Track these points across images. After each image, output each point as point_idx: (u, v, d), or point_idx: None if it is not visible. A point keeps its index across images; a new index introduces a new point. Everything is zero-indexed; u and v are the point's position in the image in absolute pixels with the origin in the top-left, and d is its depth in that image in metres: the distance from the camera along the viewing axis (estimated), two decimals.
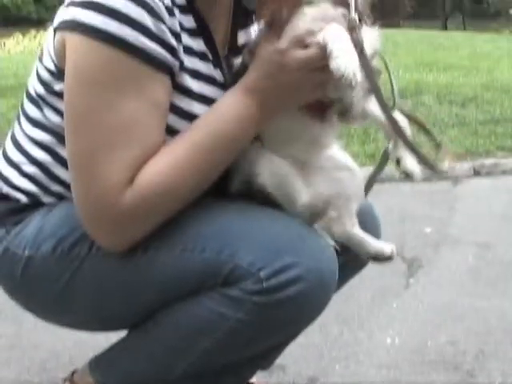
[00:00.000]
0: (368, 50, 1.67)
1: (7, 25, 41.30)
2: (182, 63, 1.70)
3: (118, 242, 1.70)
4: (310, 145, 1.83)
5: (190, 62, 1.73)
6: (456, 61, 12.07)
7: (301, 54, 1.64)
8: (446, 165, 1.85)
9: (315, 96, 1.73)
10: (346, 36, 1.60)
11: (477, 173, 5.90)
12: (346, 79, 1.54)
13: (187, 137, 1.69)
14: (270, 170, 1.77)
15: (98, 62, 1.60)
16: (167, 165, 1.64)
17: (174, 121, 1.73)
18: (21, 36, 22.34)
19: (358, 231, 1.94)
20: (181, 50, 1.70)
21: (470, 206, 5.06)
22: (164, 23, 1.63)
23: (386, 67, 1.82)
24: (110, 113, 1.61)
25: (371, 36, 1.72)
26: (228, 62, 1.89)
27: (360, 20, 1.66)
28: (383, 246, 1.98)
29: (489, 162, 6.04)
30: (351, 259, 1.99)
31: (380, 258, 1.98)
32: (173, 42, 1.66)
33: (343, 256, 1.86)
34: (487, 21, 37.06)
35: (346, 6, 1.66)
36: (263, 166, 1.78)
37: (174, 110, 1.72)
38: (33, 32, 22.78)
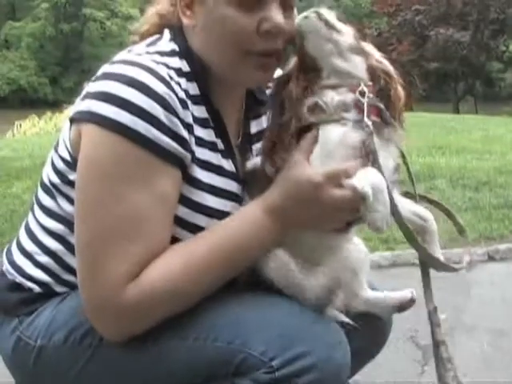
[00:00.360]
0: (389, 161, 1.73)
1: (23, 106, 42.00)
2: (193, 155, 1.75)
3: (116, 333, 1.72)
4: (325, 250, 1.86)
5: (201, 153, 1.78)
6: (468, 144, 12.10)
7: (337, 194, 1.69)
8: (465, 260, 1.83)
9: (338, 226, 1.78)
10: (383, 185, 1.64)
11: (491, 258, 5.84)
12: (378, 230, 1.60)
13: (203, 242, 1.73)
14: (277, 266, 1.80)
15: (108, 151, 1.65)
16: (178, 265, 1.67)
17: (186, 213, 1.77)
18: (37, 118, 22.61)
19: (371, 293, 1.96)
20: (192, 141, 1.75)
21: (484, 291, 5.01)
22: (177, 116, 1.68)
23: (404, 159, 1.88)
24: (117, 205, 1.64)
25: (397, 142, 1.77)
26: (241, 152, 1.95)
27: (387, 123, 1.72)
28: (401, 293, 1.99)
29: (503, 246, 5.98)
30: (372, 329, 2.00)
31: (404, 304, 1.98)
32: (185, 134, 1.70)
33: (363, 328, 1.88)
34: (499, 104, 37.35)
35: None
36: (270, 261, 1.80)
37: (185, 202, 1.76)
38: (49, 114, 23.14)
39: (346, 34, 1.80)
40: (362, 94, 1.74)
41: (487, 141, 12.70)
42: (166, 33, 1.89)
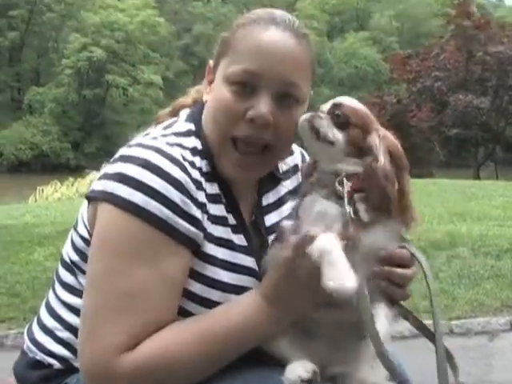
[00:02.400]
0: (369, 248, 1.73)
1: (45, 171, 42.50)
2: (205, 232, 1.80)
3: None
4: None
5: (214, 229, 1.83)
6: (490, 210, 12.07)
7: (305, 263, 1.68)
8: None
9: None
10: (332, 246, 1.65)
11: None
12: (338, 295, 1.59)
13: (197, 321, 1.76)
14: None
15: (120, 230, 1.72)
16: (170, 343, 1.70)
17: (199, 288, 1.81)
18: (58, 183, 22.86)
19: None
20: (205, 219, 1.80)
21: (507, 361, 4.95)
22: (190, 197, 1.75)
23: (422, 269, 1.83)
24: (122, 280, 1.70)
25: (379, 234, 1.76)
26: (254, 226, 1.98)
27: (356, 213, 1.73)
28: None
29: None
30: None
31: None
32: (197, 214, 1.77)
33: None
34: None
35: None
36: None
37: (198, 277, 1.80)
38: (70, 179, 23.36)
39: (337, 143, 1.80)
40: (341, 183, 1.78)
41: (508, 207, 12.67)
42: (183, 113, 1.97)
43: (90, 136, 56.31)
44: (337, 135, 1.79)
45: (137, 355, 1.67)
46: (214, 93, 1.88)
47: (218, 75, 1.90)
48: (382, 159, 1.76)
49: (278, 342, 1.81)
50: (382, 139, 1.79)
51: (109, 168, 1.78)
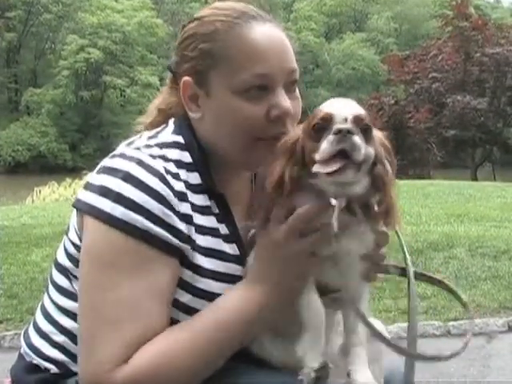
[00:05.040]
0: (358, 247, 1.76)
1: (43, 172, 42.45)
2: (193, 243, 1.80)
3: None
4: None
5: (203, 239, 1.84)
6: (487, 212, 12.09)
7: (282, 227, 1.73)
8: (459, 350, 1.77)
9: (312, 268, 1.77)
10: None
11: (511, 328, 5.79)
12: None
13: (189, 323, 1.77)
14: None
15: (105, 243, 1.74)
16: (165, 347, 1.70)
17: (190, 300, 1.81)
18: (56, 184, 22.88)
19: None
20: (192, 230, 1.81)
21: (504, 363, 4.95)
22: (171, 208, 1.75)
23: (398, 237, 1.89)
24: (112, 292, 1.71)
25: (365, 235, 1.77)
26: (246, 232, 1.97)
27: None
28: None
29: None
30: None
31: None
32: (180, 225, 1.77)
33: None
34: None
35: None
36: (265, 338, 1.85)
37: (188, 288, 1.81)
38: (68, 180, 23.39)
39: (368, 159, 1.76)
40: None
41: (506, 208, 12.69)
42: (171, 123, 1.96)
43: (87, 137, 56.27)
44: (369, 151, 1.70)
45: (134, 365, 1.68)
46: (221, 108, 1.88)
47: (216, 90, 1.88)
48: (389, 168, 1.75)
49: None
50: (380, 142, 1.78)
51: (93, 178, 1.80)
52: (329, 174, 1.64)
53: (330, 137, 1.65)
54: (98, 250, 1.75)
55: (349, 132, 1.64)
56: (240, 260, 1.90)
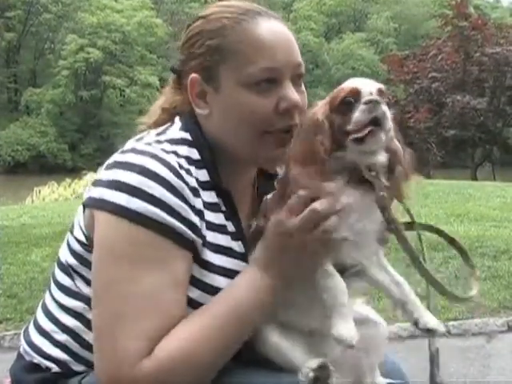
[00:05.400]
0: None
1: (43, 172, 42.44)
2: (204, 239, 1.81)
3: None
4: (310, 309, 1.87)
5: (213, 236, 1.84)
6: (487, 211, 12.07)
7: (297, 218, 1.73)
8: (474, 292, 1.88)
9: (322, 257, 1.78)
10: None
11: (511, 328, 5.79)
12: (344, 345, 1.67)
13: (205, 310, 1.77)
14: (272, 342, 1.83)
15: (121, 237, 1.73)
16: (185, 336, 1.71)
17: (198, 295, 1.82)
18: (56, 184, 22.85)
19: (379, 380, 1.95)
20: (204, 226, 1.81)
21: (504, 362, 4.95)
22: (187, 203, 1.76)
23: (410, 214, 1.94)
24: (130, 285, 1.70)
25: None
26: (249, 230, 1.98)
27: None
28: None
29: None
30: None
31: None
32: (195, 220, 1.78)
33: None
34: None
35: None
36: (266, 336, 1.85)
37: (197, 284, 1.81)
38: (67, 180, 23.34)
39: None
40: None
41: (506, 208, 12.67)
42: (177, 121, 1.97)
43: (87, 137, 56.21)
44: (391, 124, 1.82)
45: (157, 357, 1.68)
46: (231, 102, 1.90)
47: (226, 85, 1.89)
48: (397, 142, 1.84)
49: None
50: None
51: (104, 174, 1.79)
52: (362, 139, 1.75)
53: (362, 106, 1.75)
54: (114, 245, 1.74)
55: (377, 102, 1.74)
56: (245, 258, 1.90)
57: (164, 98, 2.09)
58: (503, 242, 8.71)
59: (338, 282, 1.76)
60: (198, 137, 1.91)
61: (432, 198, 14.14)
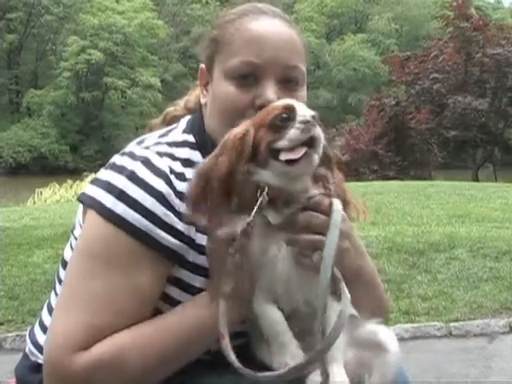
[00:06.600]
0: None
1: (44, 174, 42.45)
2: (193, 242, 1.83)
3: None
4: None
5: (202, 238, 1.84)
6: (488, 212, 12.07)
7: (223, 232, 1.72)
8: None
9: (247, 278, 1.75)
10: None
11: None
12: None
13: (152, 321, 1.78)
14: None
15: (99, 236, 1.78)
16: (121, 342, 1.73)
17: (178, 294, 1.84)
18: (57, 185, 22.85)
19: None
20: (193, 229, 1.82)
21: (506, 363, 4.94)
22: (172, 209, 1.79)
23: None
24: (94, 281, 1.75)
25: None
26: None
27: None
28: None
29: None
30: None
31: None
32: (180, 225, 1.79)
33: None
34: None
35: None
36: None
37: (189, 289, 1.84)
38: (69, 181, 23.36)
39: None
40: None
41: (507, 209, 12.67)
42: (183, 122, 2.01)
43: (88, 138, 56.32)
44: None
45: (91, 353, 1.70)
46: (215, 91, 1.93)
47: (215, 75, 1.93)
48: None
49: None
50: None
51: (101, 174, 1.86)
52: (293, 161, 1.68)
53: (299, 125, 1.70)
54: (92, 243, 1.79)
55: (312, 123, 1.71)
56: None
57: (191, 96, 2.18)
58: (505, 242, 8.70)
59: (273, 312, 1.75)
60: (202, 138, 1.94)
61: (433, 199, 14.14)
